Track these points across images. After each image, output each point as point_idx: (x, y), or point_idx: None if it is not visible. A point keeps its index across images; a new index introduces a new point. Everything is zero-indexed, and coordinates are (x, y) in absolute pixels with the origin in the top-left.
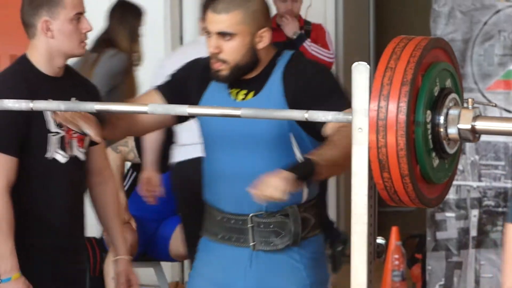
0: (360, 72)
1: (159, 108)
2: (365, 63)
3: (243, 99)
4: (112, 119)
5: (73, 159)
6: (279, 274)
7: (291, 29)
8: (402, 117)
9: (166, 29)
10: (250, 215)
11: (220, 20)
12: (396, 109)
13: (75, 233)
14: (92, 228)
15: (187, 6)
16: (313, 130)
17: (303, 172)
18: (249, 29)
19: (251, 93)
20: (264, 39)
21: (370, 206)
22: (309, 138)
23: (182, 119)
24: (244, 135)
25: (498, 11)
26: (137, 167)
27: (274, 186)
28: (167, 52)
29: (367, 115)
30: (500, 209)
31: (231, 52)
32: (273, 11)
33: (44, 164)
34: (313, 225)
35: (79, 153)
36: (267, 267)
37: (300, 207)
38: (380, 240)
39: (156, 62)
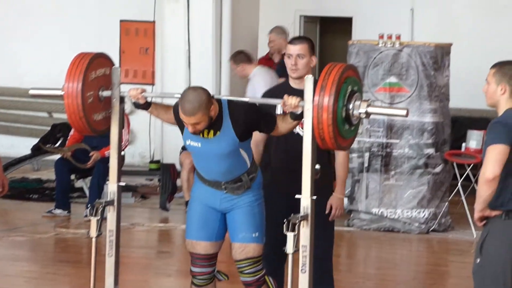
0: (309, 80)
1: None
2: (311, 76)
3: (209, 135)
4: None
5: None
6: (239, 197)
7: None
8: (331, 99)
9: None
10: (223, 182)
11: (193, 120)
12: (328, 95)
13: None
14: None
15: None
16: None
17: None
18: (207, 115)
19: (214, 131)
20: (213, 112)
21: (312, 149)
22: (247, 144)
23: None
24: (217, 153)
25: (381, 52)
26: None
27: (293, 99)
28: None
29: (312, 101)
30: (379, 153)
31: (202, 127)
32: None
33: None
34: (256, 175)
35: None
36: (232, 197)
37: (247, 172)
38: (317, 166)
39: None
